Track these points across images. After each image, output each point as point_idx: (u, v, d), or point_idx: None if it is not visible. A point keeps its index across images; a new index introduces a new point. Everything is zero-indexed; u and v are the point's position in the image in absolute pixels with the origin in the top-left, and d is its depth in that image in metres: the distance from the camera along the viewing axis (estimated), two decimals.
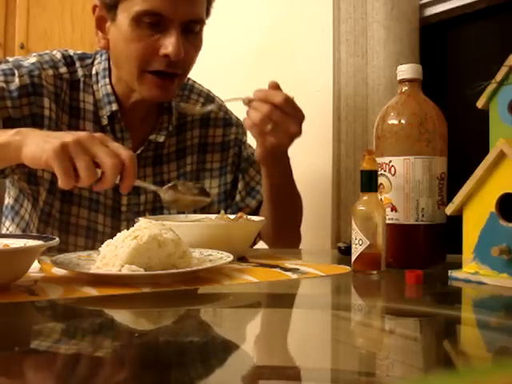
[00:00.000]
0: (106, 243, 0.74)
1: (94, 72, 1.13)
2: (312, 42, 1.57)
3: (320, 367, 0.46)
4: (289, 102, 0.97)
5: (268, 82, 1.00)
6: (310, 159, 1.54)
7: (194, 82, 1.25)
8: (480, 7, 1.20)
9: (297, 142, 1.67)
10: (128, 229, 1.09)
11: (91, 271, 0.71)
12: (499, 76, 0.74)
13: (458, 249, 0.77)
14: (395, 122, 0.84)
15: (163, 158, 1.16)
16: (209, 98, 1.24)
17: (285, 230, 1.16)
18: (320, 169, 1.49)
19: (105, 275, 0.70)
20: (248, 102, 0.98)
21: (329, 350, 0.52)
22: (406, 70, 0.86)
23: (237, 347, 0.52)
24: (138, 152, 1.12)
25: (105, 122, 1.11)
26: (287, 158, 1.08)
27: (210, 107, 1.16)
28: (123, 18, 1.02)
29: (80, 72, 1.13)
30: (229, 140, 1.22)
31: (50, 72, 1.09)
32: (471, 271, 0.74)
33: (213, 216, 0.97)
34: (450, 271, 0.76)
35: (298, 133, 1.00)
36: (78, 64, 1.13)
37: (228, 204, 1.22)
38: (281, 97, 0.97)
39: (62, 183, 0.80)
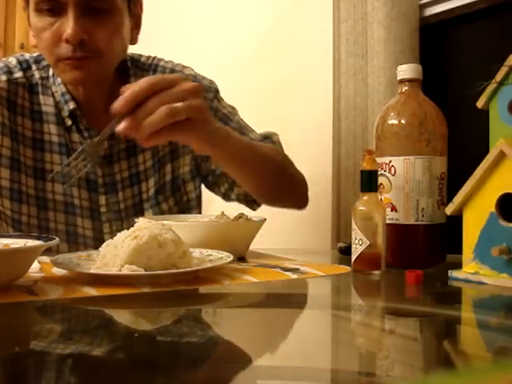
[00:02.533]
0: (106, 243, 0.74)
1: (50, 73, 1.10)
2: (312, 41, 1.57)
3: (320, 367, 0.46)
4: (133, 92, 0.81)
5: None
6: (310, 159, 1.54)
7: (161, 59, 1.19)
8: (480, 7, 1.20)
9: (297, 141, 1.67)
10: (110, 229, 1.11)
11: (91, 271, 0.71)
12: (499, 76, 0.74)
13: (458, 249, 0.77)
14: (395, 122, 0.84)
15: (137, 149, 1.12)
16: (173, 73, 1.16)
17: (278, 193, 1.12)
18: (320, 169, 1.49)
19: (105, 275, 0.70)
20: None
21: (329, 350, 0.52)
22: (406, 70, 0.86)
23: (237, 347, 0.52)
24: (106, 146, 1.09)
25: (68, 122, 1.08)
26: (218, 136, 0.92)
27: None
28: (31, 11, 1.01)
29: (37, 75, 1.10)
30: None
31: (4, 77, 1.07)
32: (471, 271, 0.74)
33: (213, 216, 0.97)
34: (449, 271, 0.76)
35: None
36: (34, 67, 1.11)
37: (205, 175, 1.19)
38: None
39: None
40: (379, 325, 0.60)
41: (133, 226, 0.74)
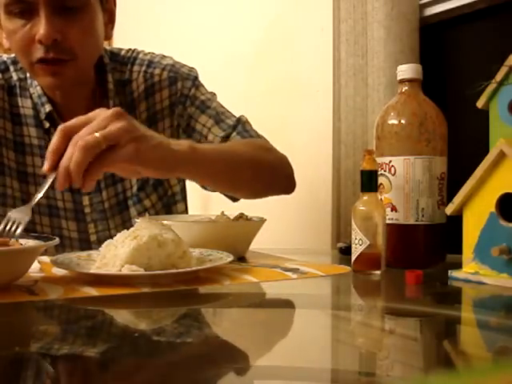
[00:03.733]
0: (106, 243, 0.74)
1: (28, 74, 1.08)
2: (312, 41, 1.57)
3: (320, 367, 0.46)
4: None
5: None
6: (310, 159, 1.54)
7: (140, 52, 1.16)
8: (480, 7, 1.20)
9: (297, 141, 1.67)
10: (96, 230, 1.11)
11: (91, 271, 0.71)
12: (499, 76, 0.74)
13: (458, 249, 0.77)
14: (395, 121, 0.84)
15: None
16: (152, 64, 1.13)
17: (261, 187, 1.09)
18: (320, 169, 1.49)
19: (105, 275, 0.70)
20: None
21: (329, 350, 0.52)
22: (406, 70, 0.86)
23: (236, 347, 0.52)
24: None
25: (46, 124, 1.07)
26: (170, 153, 0.84)
27: None
28: (1, 14, 0.99)
29: (15, 76, 1.09)
30: (174, 100, 1.12)
31: None
32: (471, 271, 0.74)
33: (213, 216, 0.97)
34: (449, 271, 0.76)
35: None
36: (12, 68, 1.10)
37: None
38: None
39: None
40: (379, 325, 0.60)
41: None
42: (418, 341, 0.53)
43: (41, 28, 0.94)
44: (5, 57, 1.12)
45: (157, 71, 1.13)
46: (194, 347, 0.49)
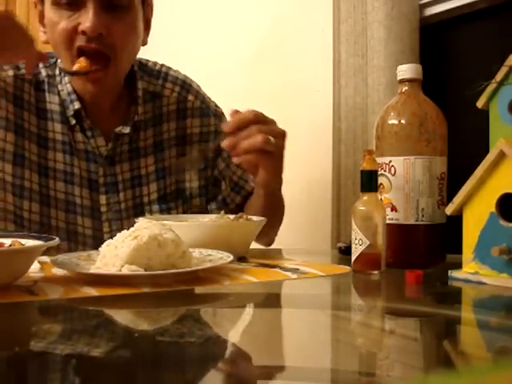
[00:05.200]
0: (106, 243, 0.74)
1: (57, 72, 1.11)
2: (312, 41, 1.57)
3: (320, 367, 0.46)
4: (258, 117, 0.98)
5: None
6: (310, 159, 1.54)
7: (169, 68, 1.21)
8: (480, 7, 1.20)
9: (297, 141, 1.67)
10: (110, 229, 1.12)
11: (91, 271, 0.71)
12: (499, 76, 0.74)
13: (458, 249, 0.77)
14: (395, 121, 0.84)
15: (140, 151, 1.13)
16: (185, 85, 1.20)
17: (268, 229, 1.17)
18: (320, 169, 1.49)
19: (105, 275, 0.70)
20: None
21: (329, 350, 0.52)
22: (406, 70, 0.86)
23: (236, 347, 0.52)
24: (110, 147, 1.10)
25: (72, 121, 1.08)
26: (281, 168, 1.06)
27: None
28: (47, 5, 1.01)
29: (43, 72, 1.11)
30: (208, 131, 1.19)
31: (10, 72, 1.08)
32: (471, 271, 0.74)
33: (213, 216, 0.97)
34: (449, 271, 0.76)
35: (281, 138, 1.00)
36: (41, 64, 1.11)
37: (209, 198, 1.20)
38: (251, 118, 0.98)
39: None
40: (379, 325, 0.60)
41: (133, 226, 0.74)
42: (418, 341, 0.53)
43: (87, 21, 0.97)
44: None
45: (190, 97, 1.19)
46: (193, 347, 0.49)
